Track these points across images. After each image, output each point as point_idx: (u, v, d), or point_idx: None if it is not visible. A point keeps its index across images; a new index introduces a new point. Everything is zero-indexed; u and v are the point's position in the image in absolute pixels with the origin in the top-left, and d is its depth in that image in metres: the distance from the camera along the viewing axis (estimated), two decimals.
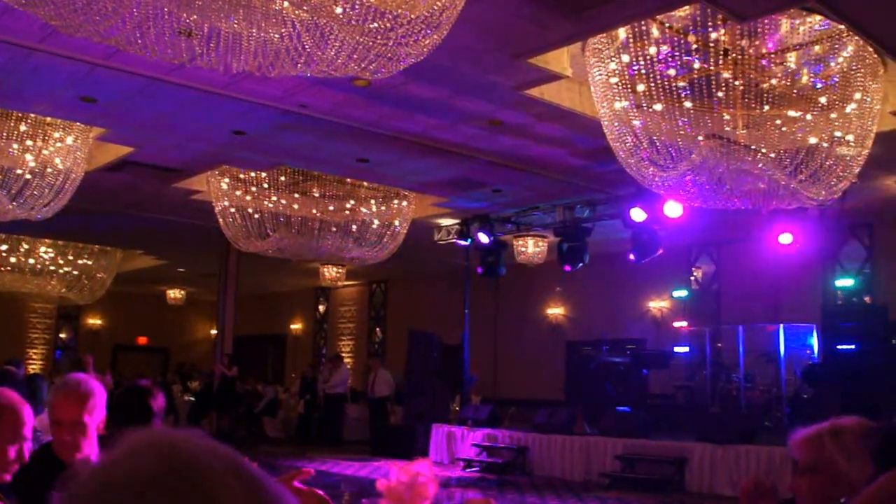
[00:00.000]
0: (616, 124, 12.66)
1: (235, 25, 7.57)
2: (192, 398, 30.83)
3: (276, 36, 7.77)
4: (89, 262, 31.31)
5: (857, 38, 11.64)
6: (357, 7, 7.30)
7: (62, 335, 39.63)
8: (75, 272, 31.34)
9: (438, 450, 21.44)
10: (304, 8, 7.31)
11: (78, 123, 16.28)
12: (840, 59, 12.06)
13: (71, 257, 30.91)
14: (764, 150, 12.50)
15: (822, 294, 21.89)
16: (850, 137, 12.73)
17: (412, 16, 7.55)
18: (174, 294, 40.53)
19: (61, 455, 5.04)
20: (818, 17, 11.39)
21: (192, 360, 38.56)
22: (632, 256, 19.49)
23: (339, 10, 7.34)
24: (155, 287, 39.42)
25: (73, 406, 5.05)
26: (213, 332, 33.62)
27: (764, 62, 12.11)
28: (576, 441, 18.56)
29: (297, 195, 20.21)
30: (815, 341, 20.28)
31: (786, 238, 17.80)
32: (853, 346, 18.19)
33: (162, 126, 16.15)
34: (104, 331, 40.74)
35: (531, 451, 19.28)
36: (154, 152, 17.88)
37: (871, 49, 11.93)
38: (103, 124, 16.28)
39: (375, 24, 7.43)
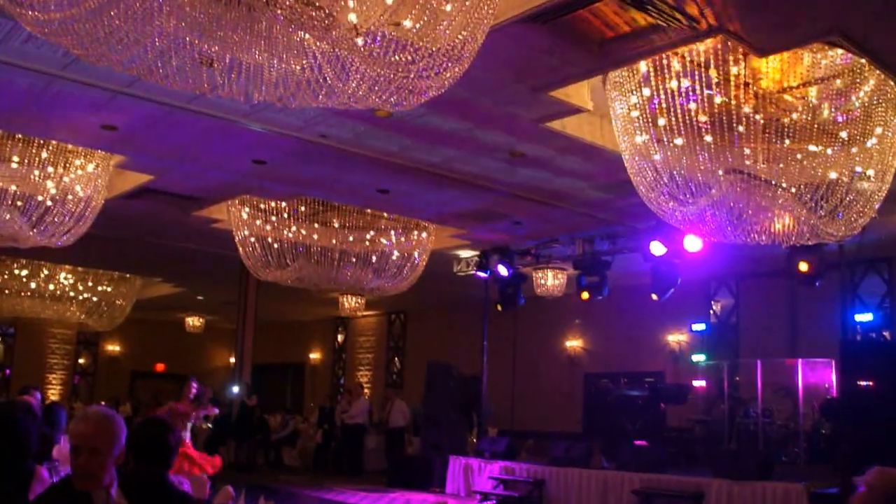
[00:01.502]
0: (637, 158, 12.63)
1: (257, 56, 7.58)
2: (210, 426, 30.80)
3: (298, 67, 7.78)
4: (109, 289, 31.44)
5: (878, 72, 11.62)
6: (378, 40, 7.30)
7: (81, 361, 39.72)
8: (95, 299, 31.43)
9: (455, 481, 21.33)
10: (326, 40, 7.32)
11: (99, 151, 16.33)
12: (861, 94, 12.02)
13: (91, 284, 31.01)
14: (784, 186, 12.46)
15: (842, 329, 21.79)
16: (870, 172, 12.68)
17: (433, 48, 7.55)
18: (193, 321, 40.59)
19: (80, 483, 5.07)
20: (839, 51, 11.38)
21: (210, 387, 38.54)
22: (654, 297, 19.40)
23: (360, 41, 7.34)
24: (174, 314, 39.49)
25: (94, 434, 5.10)
26: (232, 360, 33.63)
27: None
28: (593, 475, 18.43)
29: (316, 225, 20.21)
30: (833, 376, 20.17)
31: (804, 266, 17.73)
32: (872, 383, 18.06)
33: (182, 154, 16.18)
34: (123, 357, 40.86)
35: (548, 485, 19.14)
36: (174, 180, 17.93)
37: (892, 83, 11.90)
38: (124, 152, 16.32)
39: (397, 57, 7.44)
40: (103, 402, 32.71)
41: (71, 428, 5.21)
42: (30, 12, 6.87)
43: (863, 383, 17.98)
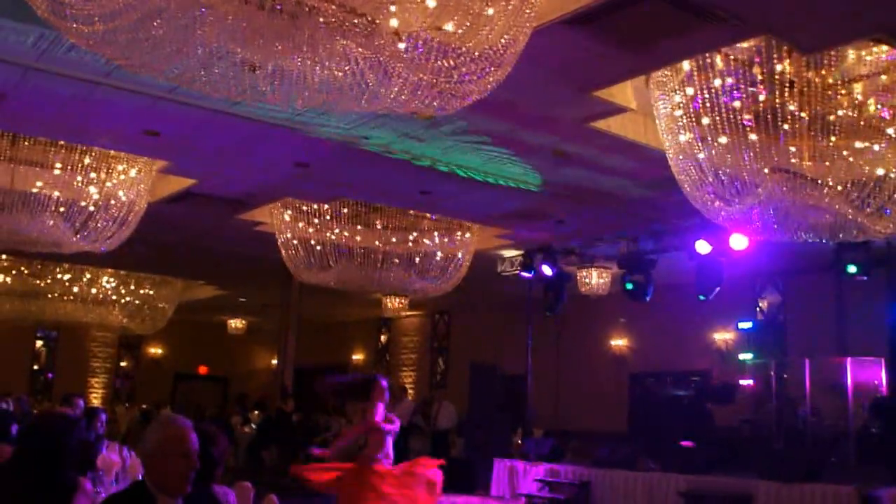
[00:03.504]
0: (681, 157, 12.54)
1: (300, 63, 7.55)
2: (254, 426, 30.78)
3: (340, 73, 7.74)
4: (151, 292, 31.52)
5: None
6: (421, 45, 7.26)
7: (123, 364, 39.85)
8: (137, 302, 31.51)
9: (500, 484, 21.21)
10: (368, 47, 7.29)
11: (141, 156, 16.37)
12: None
13: (133, 287, 31.09)
14: (831, 183, 12.33)
15: (891, 326, 21.52)
16: None
17: (476, 53, 7.50)
18: (235, 324, 40.65)
19: (177, 488, 5.22)
20: (885, 48, 11.25)
21: (252, 389, 38.59)
22: (702, 297, 19.31)
23: (402, 46, 7.30)
24: (216, 316, 39.56)
25: (195, 440, 5.31)
26: (274, 361, 33.63)
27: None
28: (638, 477, 18.29)
29: (359, 227, 20.17)
30: (883, 374, 19.90)
31: (852, 269, 17.61)
32: None
33: (225, 158, 16.19)
34: (165, 360, 40.95)
35: (594, 487, 19.00)
36: (217, 184, 17.94)
37: None
38: (166, 157, 16.36)
39: (439, 63, 7.39)
40: (144, 406, 32.89)
41: (180, 433, 5.29)
42: (74, 25, 6.89)
43: None
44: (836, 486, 15.21)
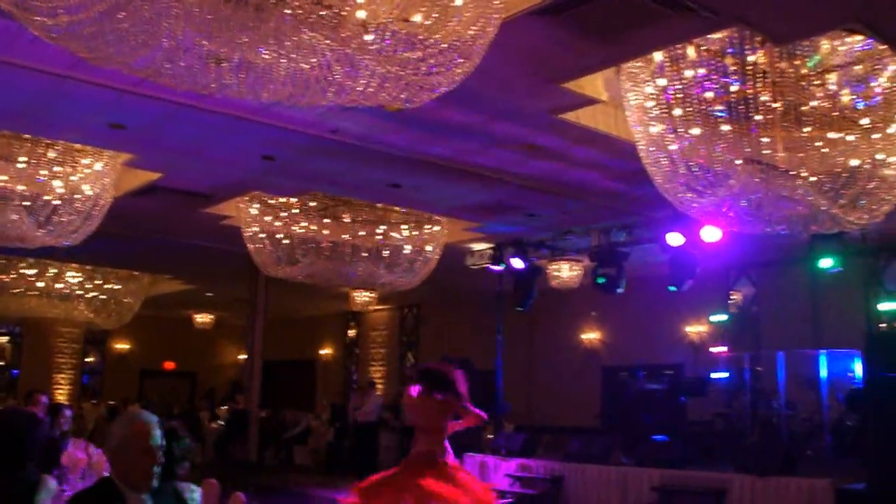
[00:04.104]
0: (652, 149, 12.45)
1: (265, 56, 7.44)
2: (222, 423, 30.65)
3: (306, 66, 7.63)
4: (117, 287, 31.30)
5: None
6: (388, 37, 7.16)
7: (89, 360, 39.55)
8: (103, 297, 31.30)
9: None
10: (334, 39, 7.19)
11: (107, 150, 16.20)
12: (882, 79, 11.81)
13: (99, 282, 30.88)
14: (804, 174, 12.26)
15: (865, 318, 21.50)
16: (893, 159, 12.48)
17: (444, 45, 7.40)
18: (202, 318, 40.45)
19: (142, 484, 5.31)
20: (859, 38, 11.17)
21: (220, 384, 38.48)
22: (672, 288, 19.22)
23: (369, 37, 7.20)
24: (183, 311, 39.36)
25: (159, 436, 5.42)
26: (241, 356, 33.46)
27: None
28: (612, 471, 18.20)
29: (327, 220, 20.04)
30: (858, 366, 19.84)
31: (827, 262, 17.57)
32: None
33: (191, 152, 16.02)
34: (131, 355, 40.74)
35: (566, 482, 18.90)
36: (183, 178, 17.78)
37: None
38: (132, 150, 16.17)
39: (407, 54, 7.30)
40: (111, 402, 32.68)
41: (145, 429, 5.39)
42: (37, 17, 6.77)
43: (889, 375, 17.69)
44: (811, 480, 15.13)
